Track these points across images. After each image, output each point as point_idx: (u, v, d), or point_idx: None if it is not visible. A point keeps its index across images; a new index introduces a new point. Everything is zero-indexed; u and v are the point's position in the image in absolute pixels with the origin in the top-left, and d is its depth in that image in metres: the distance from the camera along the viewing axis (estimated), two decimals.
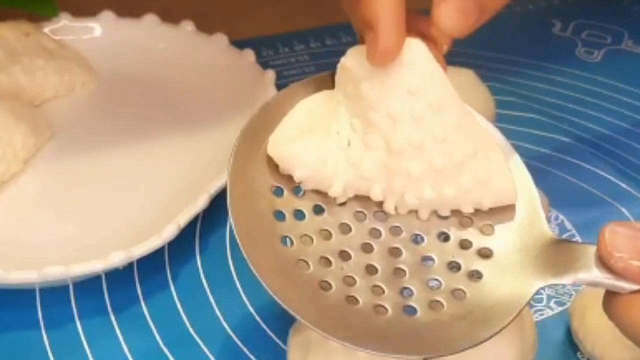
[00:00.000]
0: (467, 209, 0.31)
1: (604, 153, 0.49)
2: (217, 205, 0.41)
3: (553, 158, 0.48)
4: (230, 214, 0.29)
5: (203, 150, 0.45)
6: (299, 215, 0.30)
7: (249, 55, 0.50)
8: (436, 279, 0.30)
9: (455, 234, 0.31)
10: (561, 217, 0.44)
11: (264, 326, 0.37)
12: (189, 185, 0.42)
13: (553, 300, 0.39)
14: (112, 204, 0.43)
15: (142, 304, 0.39)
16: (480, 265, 0.30)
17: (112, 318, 0.38)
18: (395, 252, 0.31)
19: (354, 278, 0.30)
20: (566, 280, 0.28)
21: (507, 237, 0.31)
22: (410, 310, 0.29)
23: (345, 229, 0.31)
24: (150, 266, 0.40)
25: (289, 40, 0.59)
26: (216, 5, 0.60)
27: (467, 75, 0.48)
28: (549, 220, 0.42)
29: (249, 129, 0.31)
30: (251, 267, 0.28)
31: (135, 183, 0.44)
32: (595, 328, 0.35)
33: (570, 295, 0.39)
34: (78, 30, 0.52)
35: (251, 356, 0.36)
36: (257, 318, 0.38)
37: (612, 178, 0.47)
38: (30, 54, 0.48)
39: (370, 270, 0.30)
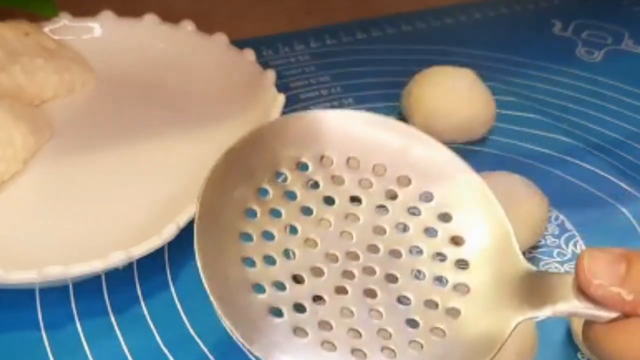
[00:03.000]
0: None
1: (604, 153, 0.49)
2: None
3: (553, 158, 0.48)
4: (198, 263, 0.28)
5: (203, 150, 0.45)
6: (269, 260, 0.30)
7: (249, 55, 0.50)
8: (413, 319, 0.29)
9: (430, 271, 0.30)
10: (561, 217, 0.44)
11: None
12: (189, 185, 0.42)
13: None
14: (111, 204, 0.43)
15: (142, 304, 0.39)
16: (457, 301, 0.29)
17: (112, 318, 0.38)
18: (370, 293, 0.30)
19: (329, 323, 0.29)
20: (545, 312, 0.27)
21: (482, 272, 0.30)
22: (389, 353, 0.28)
23: (317, 272, 0.30)
24: (150, 266, 0.40)
25: (289, 40, 0.59)
26: (216, 5, 0.60)
27: (467, 75, 0.48)
28: (549, 220, 0.42)
29: (214, 176, 0.30)
30: (223, 320, 0.28)
31: (135, 183, 0.44)
32: None
33: None
34: (78, 30, 0.52)
35: (251, 356, 0.36)
36: None
37: (612, 178, 0.47)
38: (30, 54, 0.48)
39: (346, 313, 0.29)
